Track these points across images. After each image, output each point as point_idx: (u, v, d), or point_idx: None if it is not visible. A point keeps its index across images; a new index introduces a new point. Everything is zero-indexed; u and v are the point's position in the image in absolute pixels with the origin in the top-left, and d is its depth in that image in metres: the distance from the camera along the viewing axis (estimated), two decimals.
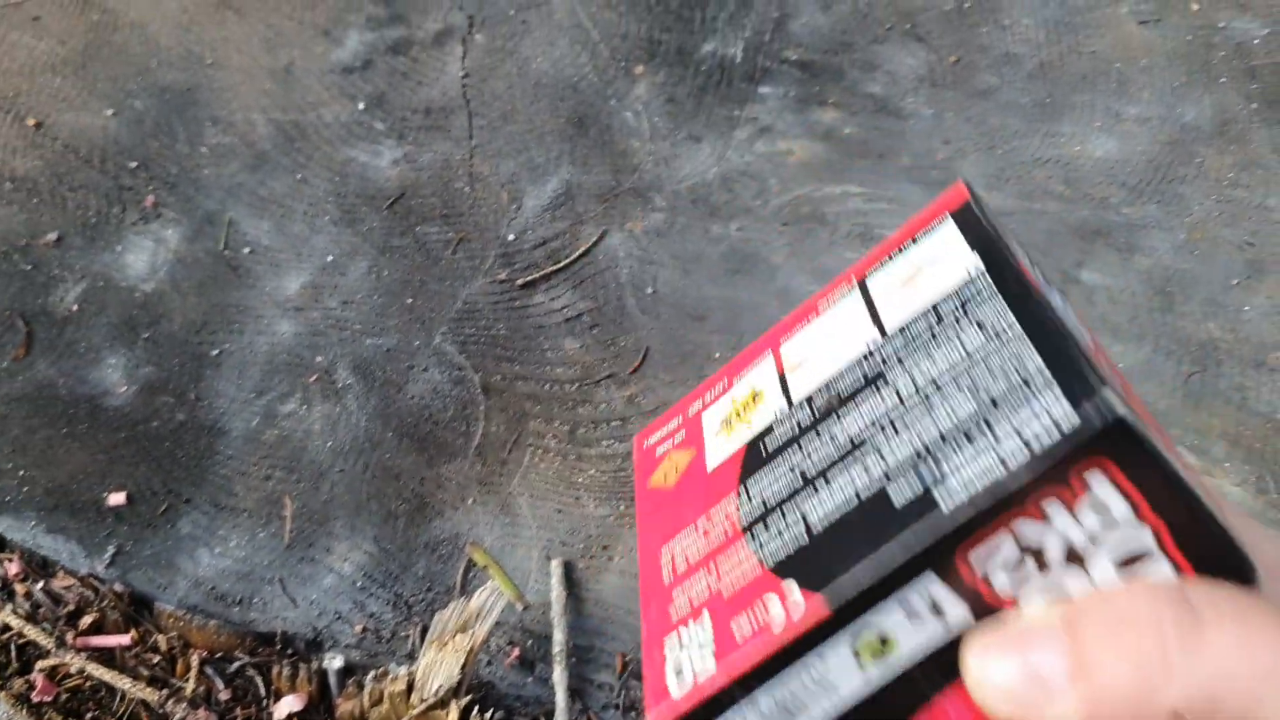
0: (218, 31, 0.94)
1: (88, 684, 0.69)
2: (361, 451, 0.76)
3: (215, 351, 0.79)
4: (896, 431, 0.32)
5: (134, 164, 0.87)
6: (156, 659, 0.70)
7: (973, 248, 0.35)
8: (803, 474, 0.34)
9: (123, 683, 0.68)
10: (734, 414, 0.39)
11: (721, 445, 0.37)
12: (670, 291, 0.83)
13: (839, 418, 0.34)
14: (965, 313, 0.32)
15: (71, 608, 0.71)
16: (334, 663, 0.68)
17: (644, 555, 0.35)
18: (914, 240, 0.38)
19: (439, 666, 0.66)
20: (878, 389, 0.34)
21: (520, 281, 0.83)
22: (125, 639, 0.70)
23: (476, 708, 0.66)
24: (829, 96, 0.93)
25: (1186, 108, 0.95)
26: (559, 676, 0.68)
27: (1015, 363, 0.31)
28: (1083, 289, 0.85)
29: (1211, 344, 0.83)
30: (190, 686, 0.68)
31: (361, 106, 0.91)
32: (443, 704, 0.65)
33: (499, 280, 0.83)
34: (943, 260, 0.36)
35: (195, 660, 0.69)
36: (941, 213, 0.38)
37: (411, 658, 0.68)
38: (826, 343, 0.39)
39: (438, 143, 0.89)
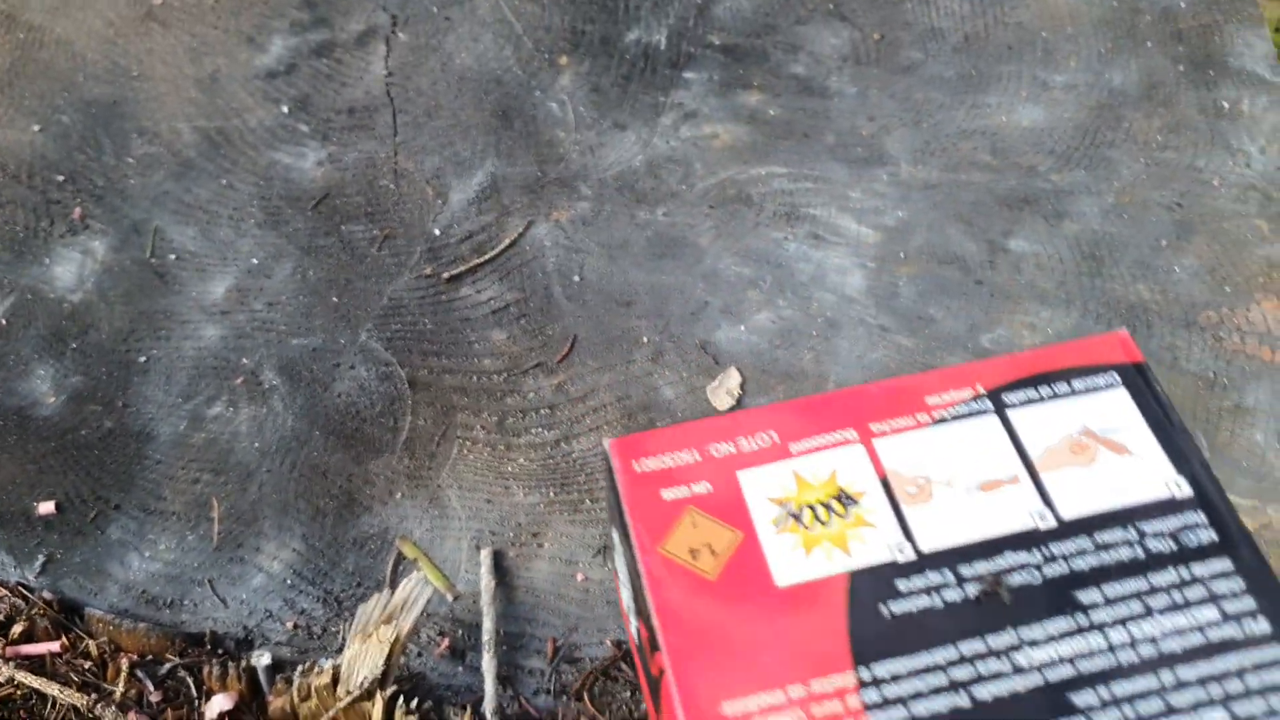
0: (143, 44, 0.94)
1: (18, 693, 0.69)
2: (289, 451, 0.76)
3: (143, 358, 0.80)
4: (1116, 700, 0.27)
5: (61, 178, 0.88)
6: (87, 664, 0.70)
7: (1162, 446, 0.32)
8: (972, 698, 0.28)
9: (52, 689, 0.68)
10: (812, 515, 0.34)
11: (797, 557, 0.31)
12: (597, 279, 0.83)
13: (1015, 630, 0.29)
14: (1188, 568, 0.28)
15: (1, 618, 0.71)
16: (262, 660, 0.68)
17: (683, 682, 0.30)
18: (1068, 381, 0.35)
19: (363, 658, 0.66)
20: (1074, 618, 0.29)
21: (446, 276, 0.83)
22: (55, 646, 0.70)
23: (402, 698, 0.66)
24: (753, 79, 0.93)
25: (1114, 73, 0.95)
26: (488, 664, 0.68)
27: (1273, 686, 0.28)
28: (1011, 257, 0.85)
29: (1141, 306, 0.83)
30: (120, 690, 0.68)
31: (286, 110, 0.91)
32: (369, 695, 0.65)
33: (425, 275, 0.83)
34: (1119, 434, 0.33)
35: (125, 664, 0.69)
36: (1101, 358, 0.35)
37: (340, 653, 0.68)
38: (960, 473, 0.34)
39: (362, 142, 0.90)
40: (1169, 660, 0.28)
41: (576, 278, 0.83)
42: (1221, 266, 0.85)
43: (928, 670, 0.30)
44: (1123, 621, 0.29)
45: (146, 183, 0.87)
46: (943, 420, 0.35)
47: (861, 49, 0.96)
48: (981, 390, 0.35)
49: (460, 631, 0.70)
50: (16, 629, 0.70)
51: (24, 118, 0.90)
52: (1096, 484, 0.32)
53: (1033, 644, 0.29)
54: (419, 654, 0.69)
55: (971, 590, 0.30)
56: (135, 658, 0.70)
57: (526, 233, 0.85)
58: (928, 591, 0.31)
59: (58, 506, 0.74)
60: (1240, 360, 0.80)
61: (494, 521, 0.73)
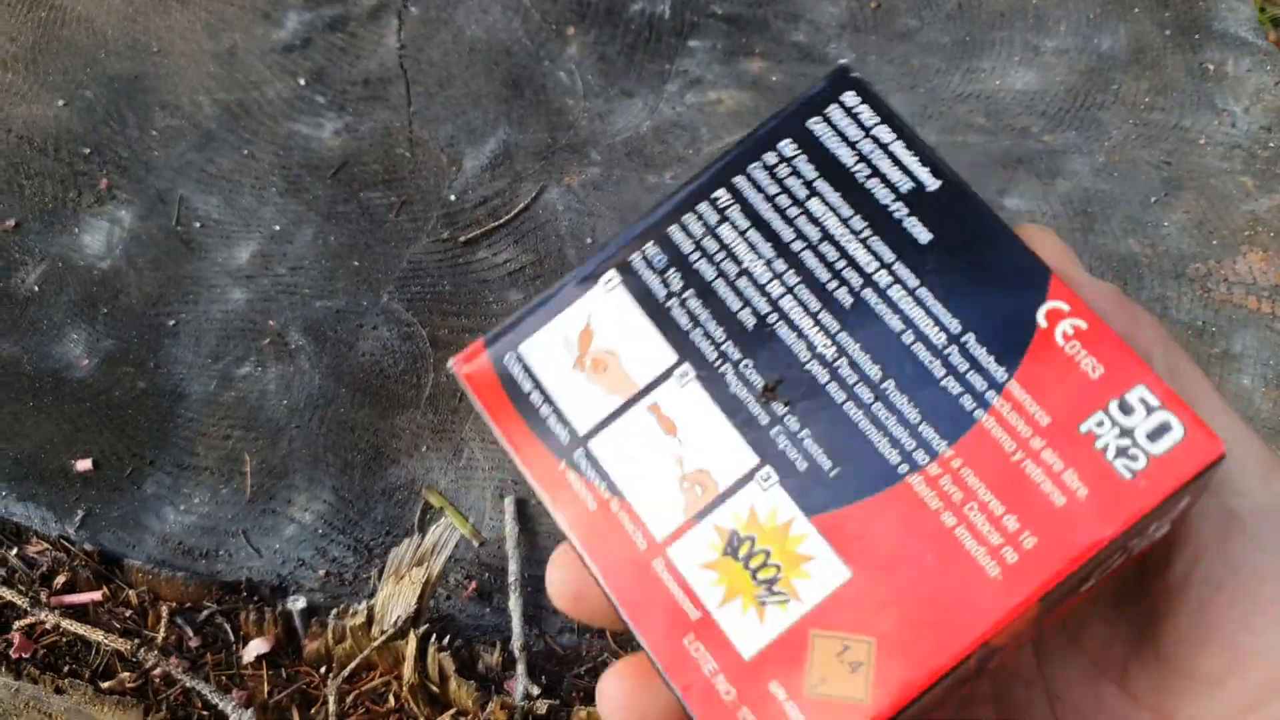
0: (162, 21, 0.97)
1: (63, 639, 0.72)
2: (316, 408, 0.79)
3: (172, 322, 0.82)
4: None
5: (87, 150, 0.90)
6: (128, 612, 0.73)
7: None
8: None
9: (96, 636, 0.71)
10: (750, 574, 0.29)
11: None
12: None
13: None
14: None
15: (45, 570, 0.74)
16: (297, 604, 0.71)
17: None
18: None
19: (396, 599, 0.69)
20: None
21: (463, 239, 0.86)
22: (97, 595, 0.73)
23: (434, 636, 0.69)
24: (755, 47, 0.96)
25: (1103, 38, 0.98)
26: (514, 604, 0.71)
27: None
28: (1006, 215, 0.88)
29: (1132, 259, 0.86)
30: (161, 636, 0.72)
31: (303, 82, 0.94)
32: (401, 634, 0.68)
33: (442, 239, 0.86)
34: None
35: (165, 612, 0.72)
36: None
37: (373, 597, 0.71)
38: None
39: (377, 112, 0.92)
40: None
41: (589, 240, 0.86)
42: (1209, 221, 0.88)
43: None
44: None
45: (170, 154, 0.90)
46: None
47: (859, 17, 0.99)
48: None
49: (487, 575, 0.73)
50: (59, 580, 0.73)
51: (49, 93, 0.93)
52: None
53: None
54: (448, 597, 0.72)
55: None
56: (174, 605, 0.73)
57: (539, 197, 0.88)
58: None
59: (95, 464, 0.77)
60: (1228, 310, 0.83)
61: (515, 472, 0.76)
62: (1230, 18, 0.99)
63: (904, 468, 0.28)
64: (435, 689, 0.68)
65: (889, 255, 0.30)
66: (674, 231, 0.31)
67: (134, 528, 0.75)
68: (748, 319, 0.30)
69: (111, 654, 0.71)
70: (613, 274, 0.31)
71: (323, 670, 0.71)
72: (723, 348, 0.30)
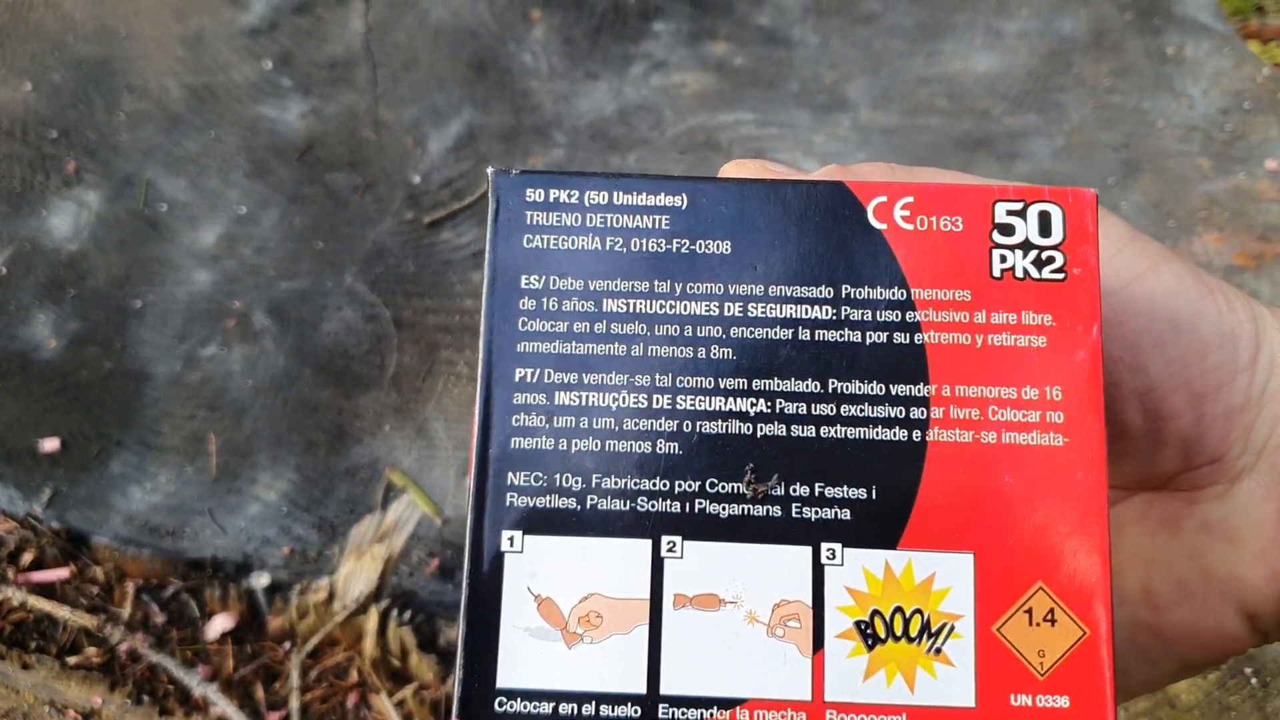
0: (129, 5, 0.97)
1: (31, 616, 0.73)
2: (280, 388, 0.80)
3: (138, 303, 0.83)
4: None
5: (54, 134, 0.91)
6: (95, 590, 0.74)
7: None
8: None
9: (63, 613, 0.72)
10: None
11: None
12: None
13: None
14: None
15: (11, 548, 0.74)
16: (261, 580, 0.72)
17: None
18: None
19: (358, 575, 0.70)
20: None
21: (427, 220, 0.87)
22: (64, 573, 0.74)
23: (395, 611, 0.70)
24: (719, 30, 0.97)
25: (1063, 21, 0.99)
26: None
27: None
28: None
29: None
30: (127, 612, 0.72)
31: (269, 66, 0.94)
32: (363, 610, 0.69)
33: (406, 221, 0.87)
34: None
35: (131, 588, 0.73)
36: None
37: (335, 573, 0.72)
38: None
39: (343, 95, 0.93)
40: None
41: None
42: (1165, 202, 0.89)
43: None
44: None
45: (137, 137, 0.91)
46: None
47: (823, 0, 1.00)
48: None
49: (449, 552, 0.74)
50: (27, 557, 0.74)
51: (16, 77, 0.93)
52: None
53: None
54: (410, 574, 0.73)
55: None
56: (140, 583, 0.74)
57: None
58: None
59: (62, 443, 0.77)
60: None
61: None
62: (1190, 2, 1.00)
63: (917, 434, 0.27)
64: (397, 663, 0.69)
65: (710, 287, 0.27)
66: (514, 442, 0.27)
67: (100, 506, 0.75)
68: (667, 447, 0.27)
69: (78, 630, 0.72)
70: (516, 534, 0.26)
71: (286, 645, 0.72)
72: (678, 488, 0.26)
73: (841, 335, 0.27)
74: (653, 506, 0.26)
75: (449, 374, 0.80)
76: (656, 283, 0.27)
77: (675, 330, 0.27)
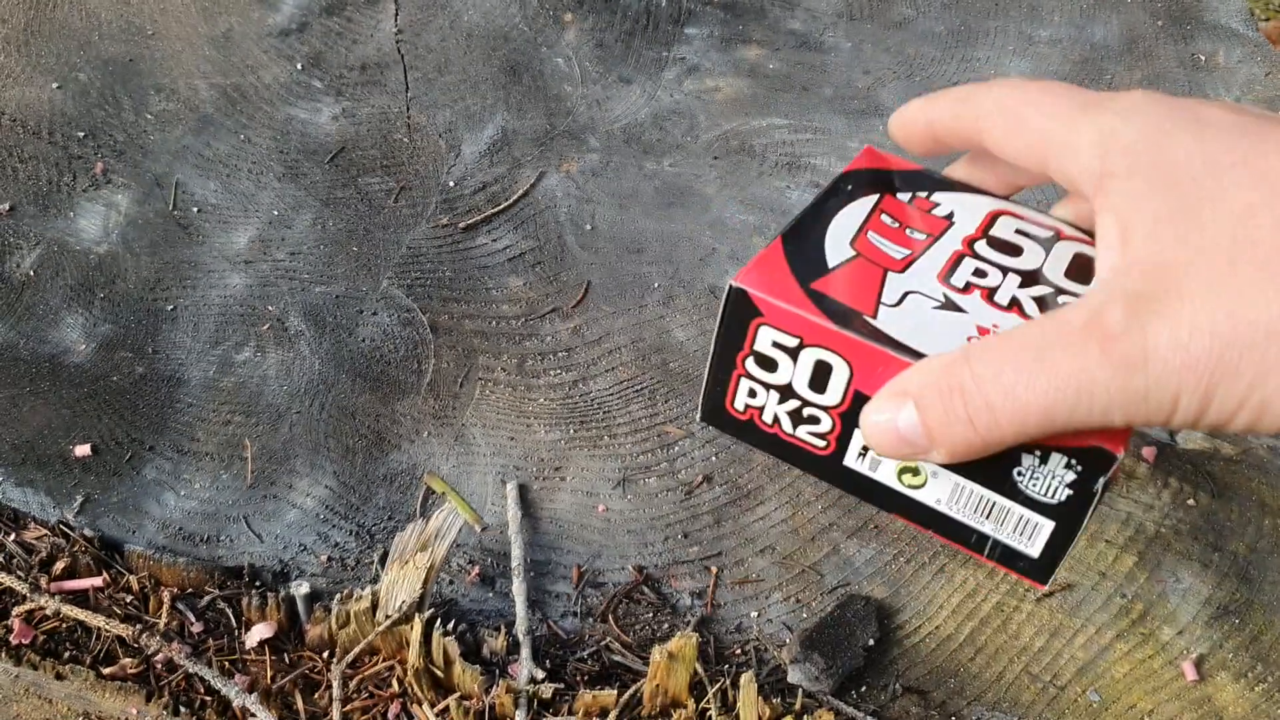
0: (156, 3, 0.96)
1: (64, 625, 0.72)
2: (316, 393, 0.79)
3: (170, 307, 0.82)
4: None
5: (82, 134, 0.90)
6: (129, 598, 0.73)
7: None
8: None
9: (97, 621, 0.71)
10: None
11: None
12: (608, 227, 0.87)
13: None
14: None
15: (44, 555, 0.73)
16: (300, 589, 0.71)
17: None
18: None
19: (401, 584, 0.69)
20: None
21: (462, 225, 0.86)
22: (97, 581, 0.73)
23: (438, 620, 0.69)
24: (752, 35, 0.97)
25: (1095, 28, 0.98)
26: (518, 589, 0.71)
27: None
28: None
29: None
30: (163, 622, 0.71)
31: (300, 67, 0.94)
32: (406, 619, 0.68)
33: (441, 225, 0.86)
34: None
35: (166, 597, 0.72)
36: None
37: (376, 583, 0.71)
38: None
39: (375, 97, 0.92)
40: None
41: (588, 226, 0.86)
42: None
43: None
44: None
45: (166, 138, 0.90)
46: None
47: (855, 5, 0.99)
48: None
49: (489, 560, 0.73)
50: (59, 566, 0.73)
51: (42, 76, 0.92)
52: None
53: None
54: (450, 582, 0.72)
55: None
56: (175, 591, 0.73)
57: (538, 183, 0.88)
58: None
59: (93, 449, 0.76)
60: None
61: (517, 457, 0.76)
62: (1221, 9, 1.00)
63: None
64: (439, 673, 0.68)
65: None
66: None
67: (134, 513, 0.74)
68: None
69: (112, 640, 0.71)
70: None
71: (326, 655, 0.71)
72: None
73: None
74: None
75: (486, 380, 0.79)
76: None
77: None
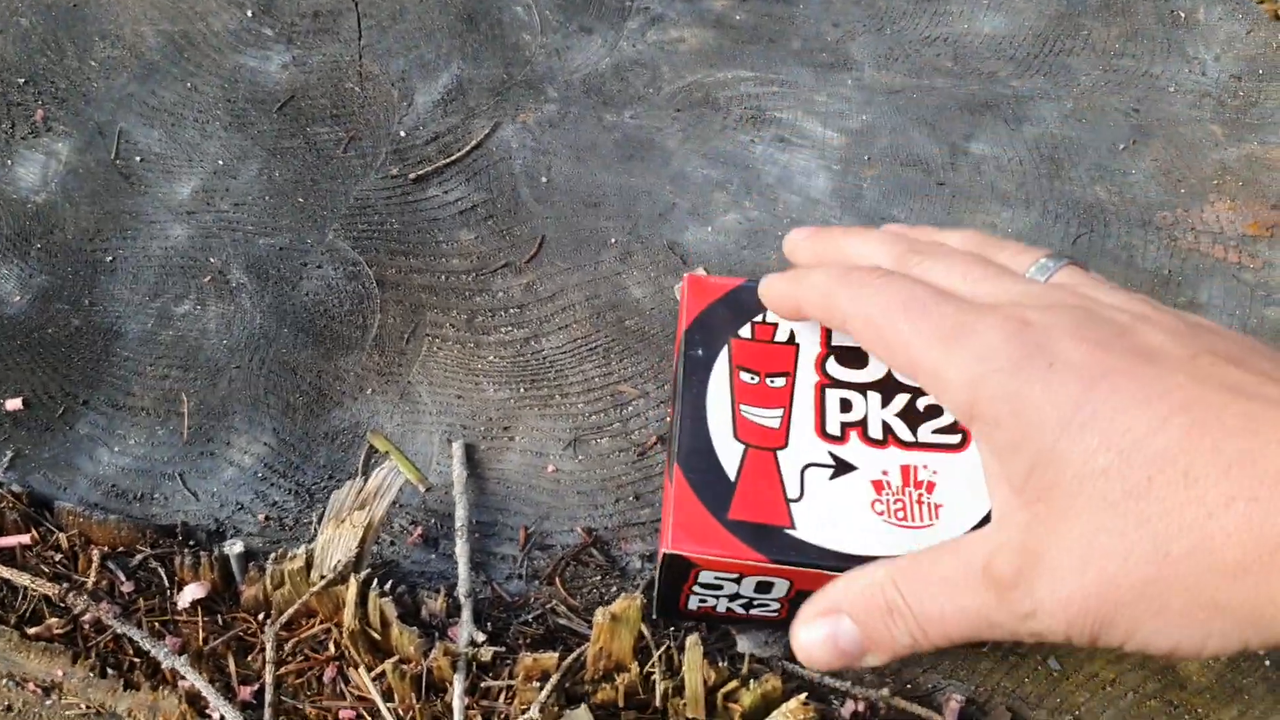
0: None
1: None
2: (257, 348, 0.76)
3: (109, 258, 0.79)
4: None
5: (22, 80, 0.87)
6: (58, 556, 0.70)
7: None
8: None
9: (23, 580, 0.68)
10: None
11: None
12: (564, 180, 0.84)
13: None
14: None
15: None
16: (234, 548, 0.68)
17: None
18: None
19: (337, 543, 0.67)
20: None
21: (413, 176, 0.83)
22: (25, 539, 0.70)
23: (376, 581, 0.66)
24: None
25: None
26: (461, 550, 0.69)
27: None
28: (972, 159, 0.86)
29: (1099, 206, 0.84)
30: (92, 581, 0.69)
31: (250, 14, 0.91)
32: (342, 579, 0.66)
33: (391, 176, 0.83)
34: None
35: (96, 556, 0.70)
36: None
37: (313, 541, 0.69)
38: None
39: (327, 45, 0.89)
40: None
41: (544, 179, 0.84)
42: (1176, 169, 0.86)
43: None
44: None
45: (110, 85, 0.87)
46: None
47: None
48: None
49: (433, 521, 0.71)
50: None
51: None
52: None
53: None
54: (392, 543, 0.70)
55: None
56: (106, 550, 0.70)
57: (493, 134, 0.86)
58: None
59: (25, 403, 0.74)
60: (1194, 258, 0.81)
61: (465, 416, 0.74)
62: None
63: None
64: (376, 636, 0.66)
65: None
66: None
67: (65, 469, 0.72)
68: None
69: (39, 599, 0.69)
70: None
71: (260, 617, 0.68)
72: None
73: None
74: None
75: (434, 336, 0.77)
76: None
77: None
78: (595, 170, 0.84)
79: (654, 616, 0.62)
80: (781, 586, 0.54)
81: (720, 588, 0.56)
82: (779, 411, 0.57)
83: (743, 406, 0.58)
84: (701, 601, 0.58)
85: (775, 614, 0.58)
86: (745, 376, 0.59)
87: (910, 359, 0.48)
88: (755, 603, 0.57)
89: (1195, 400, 0.40)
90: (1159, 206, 0.84)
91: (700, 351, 0.60)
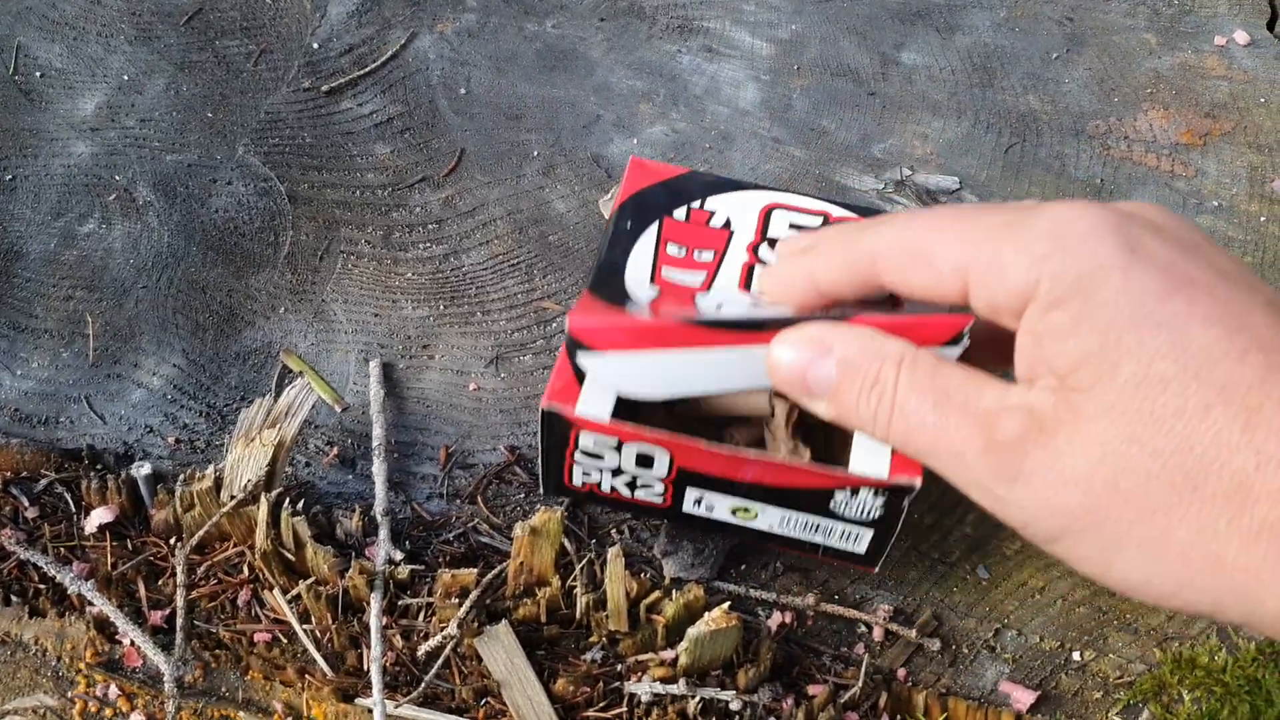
0: None
1: None
2: (165, 267, 0.73)
3: (9, 177, 0.76)
4: None
5: None
6: None
7: None
8: None
9: None
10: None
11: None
12: (484, 92, 0.81)
13: None
14: None
15: None
16: (142, 470, 0.66)
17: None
18: None
19: (247, 463, 0.64)
20: None
21: (326, 89, 0.80)
22: None
23: (290, 501, 0.64)
24: None
25: None
26: (378, 470, 0.67)
27: None
28: (903, 69, 0.84)
29: (1031, 116, 0.83)
30: None
31: None
32: (253, 499, 0.64)
33: (304, 89, 0.81)
34: None
35: None
36: None
37: (223, 461, 0.66)
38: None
39: None
40: None
41: (463, 90, 0.81)
42: (1111, 78, 0.85)
43: None
44: None
45: None
46: None
47: None
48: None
49: (350, 441, 0.69)
50: None
51: None
52: None
53: None
54: (307, 464, 0.68)
55: None
56: (9, 475, 0.68)
57: (409, 45, 0.83)
58: None
59: None
60: (1127, 167, 0.80)
61: (382, 335, 0.72)
62: None
63: None
64: (290, 557, 0.64)
65: None
66: None
67: None
68: None
69: None
70: None
71: (172, 541, 0.66)
72: None
73: None
74: None
75: (349, 253, 0.74)
76: None
77: None
78: (516, 81, 0.82)
79: (541, 492, 0.60)
80: (663, 462, 0.52)
81: (601, 457, 0.53)
82: (702, 275, 0.56)
83: (665, 268, 0.56)
84: (585, 475, 0.56)
85: (660, 500, 0.56)
86: (672, 249, 0.57)
87: (957, 261, 0.43)
88: (639, 481, 0.55)
89: (1275, 345, 0.37)
90: (1092, 116, 0.83)
91: (629, 224, 0.58)
